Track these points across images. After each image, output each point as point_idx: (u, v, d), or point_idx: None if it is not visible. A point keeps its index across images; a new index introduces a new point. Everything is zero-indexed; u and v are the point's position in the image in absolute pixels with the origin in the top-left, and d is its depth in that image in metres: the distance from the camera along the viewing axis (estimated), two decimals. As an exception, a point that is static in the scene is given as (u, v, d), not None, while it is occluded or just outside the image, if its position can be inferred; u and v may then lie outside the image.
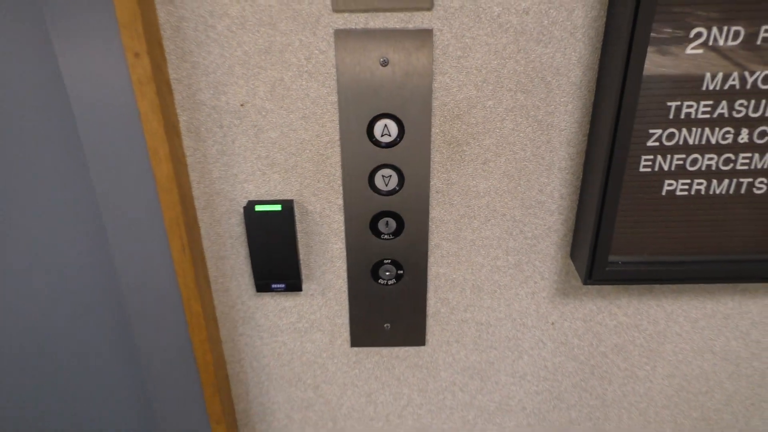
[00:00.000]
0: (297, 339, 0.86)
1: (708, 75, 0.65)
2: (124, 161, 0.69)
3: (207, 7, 0.65)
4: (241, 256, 0.80)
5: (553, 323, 0.85)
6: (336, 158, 0.74)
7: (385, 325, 0.85)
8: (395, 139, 0.72)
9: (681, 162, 0.69)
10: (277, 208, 0.75)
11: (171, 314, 0.79)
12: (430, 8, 0.65)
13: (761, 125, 0.67)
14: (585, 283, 0.74)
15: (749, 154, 0.69)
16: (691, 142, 0.68)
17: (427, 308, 0.84)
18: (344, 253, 0.80)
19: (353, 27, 0.66)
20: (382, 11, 0.66)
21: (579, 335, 0.86)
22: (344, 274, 0.81)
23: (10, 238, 0.80)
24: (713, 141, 0.68)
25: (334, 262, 0.81)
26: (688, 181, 0.70)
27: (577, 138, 0.72)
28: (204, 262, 0.80)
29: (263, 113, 0.71)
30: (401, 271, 0.80)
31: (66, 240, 0.81)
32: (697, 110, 0.67)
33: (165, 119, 0.67)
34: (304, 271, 0.81)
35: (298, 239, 0.79)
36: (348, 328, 0.86)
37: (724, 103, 0.66)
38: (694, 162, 0.69)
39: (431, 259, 0.80)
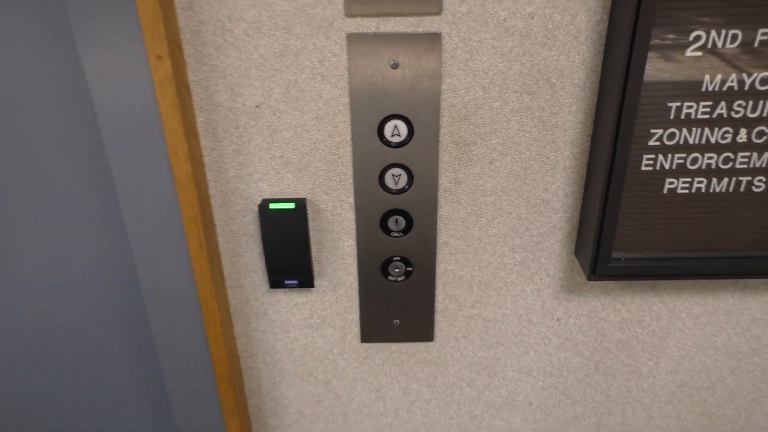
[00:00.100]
0: (309, 335, 0.89)
1: (707, 77, 0.67)
2: (145, 160, 0.71)
3: (225, 12, 0.68)
4: (254, 253, 0.83)
5: (558, 319, 0.87)
6: (347, 158, 0.76)
7: (395, 321, 0.87)
8: (405, 140, 0.74)
9: (682, 161, 0.71)
10: (291, 206, 0.77)
11: (187, 309, 0.81)
12: (438, 13, 0.68)
13: (759, 125, 0.69)
14: (589, 279, 0.76)
15: (748, 154, 0.71)
16: (691, 141, 0.70)
17: (436, 304, 0.87)
18: (355, 251, 0.82)
19: (365, 31, 0.69)
20: (393, 16, 0.68)
21: (584, 331, 0.88)
22: (355, 271, 0.84)
23: (32, 235, 0.83)
24: (713, 140, 0.70)
25: (345, 259, 0.83)
26: (689, 179, 0.73)
27: (581, 138, 0.75)
28: (219, 259, 0.82)
29: (278, 114, 0.74)
30: (410, 268, 0.83)
31: (86, 236, 0.83)
32: (696, 111, 0.69)
33: (184, 120, 0.70)
34: (315, 268, 0.84)
35: (311, 237, 0.81)
36: (358, 324, 0.88)
37: (723, 103, 0.68)
38: (695, 161, 0.72)
39: (439, 256, 0.83)
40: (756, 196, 0.73)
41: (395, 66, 0.71)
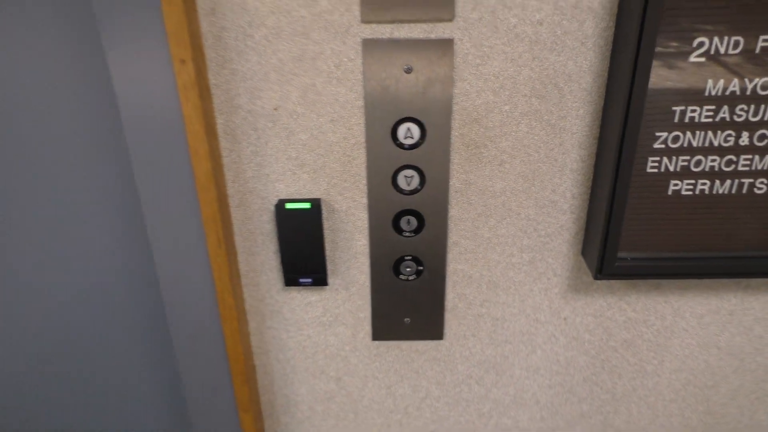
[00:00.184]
0: (321, 332, 0.91)
1: (710, 82, 0.69)
2: (167, 160, 0.74)
3: (246, 18, 0.71)
4: (270, 252, 0.85)
5: (565, 318, 0.89)
6: (361, 159, 0.79)
7: (405, 320, 0.89)
8: (417, 142, 0.77)
9: (686, 163, 0.74)
10: (307, 206, 0.80)
11: (205, 306, 0.83)
12: (451, 19, 0.71)
13: (761, 129, 0.72)
14: (596, 278, 0.78)
15: (750, 156, 0.73)
16: (695, 144, 0.73)
17: (445, 303, 0.89)
18: (368, 250, 0.85)
19: (380, 37, 0.72)
20: (407, 22, 0.71)
21: (590, 330, 0.90)
22: (367, 270, 0.86)
23: (51, 232, 0.86)
24: (716, 143, 0.73)
25: (358, 258, 0.85)
26: (693, 181, 0.75)
27: (588, 141, 0.77)
28: (236, 257, 0.85)
29: (295, 117, 0.76)
30: (421, 267, 0.85)
31: (107, 233, 0.86)
32: (700, 115, 0.71)
33: (205, 121, 0.72)
34: (329, 267, 0.86)
35: (325, 236, 0.84)
36: (370, 322, 0.90)
37: (725, 108, 0.71)
38: (698, 163, 0.74)
39: (450, 256, 0.85)
40: (758, 197, 0.76)
41: (409, 70, 0.73)
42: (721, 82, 0.69)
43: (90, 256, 0.88)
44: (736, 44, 0.68)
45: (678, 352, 0.92)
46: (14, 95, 0.78)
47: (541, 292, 0.88)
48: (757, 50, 0.68)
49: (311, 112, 0.76)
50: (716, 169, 0.74)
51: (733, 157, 0.73)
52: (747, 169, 0.74)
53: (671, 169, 0.74)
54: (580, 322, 0.90)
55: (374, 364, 0.94)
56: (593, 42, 0.72)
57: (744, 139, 0.72)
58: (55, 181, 0.83)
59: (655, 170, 0.74)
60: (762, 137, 0.72)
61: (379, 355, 0.93)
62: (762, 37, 0.67)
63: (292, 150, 0.78)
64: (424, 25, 0.71)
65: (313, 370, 0.94)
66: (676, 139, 0.72)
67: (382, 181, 0.79)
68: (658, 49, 0.67)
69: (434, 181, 0.79)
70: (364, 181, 0.80)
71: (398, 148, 0.78)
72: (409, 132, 0.77)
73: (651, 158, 0.74)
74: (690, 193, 0.75)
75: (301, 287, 0.88)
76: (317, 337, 0.92)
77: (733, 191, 0.75)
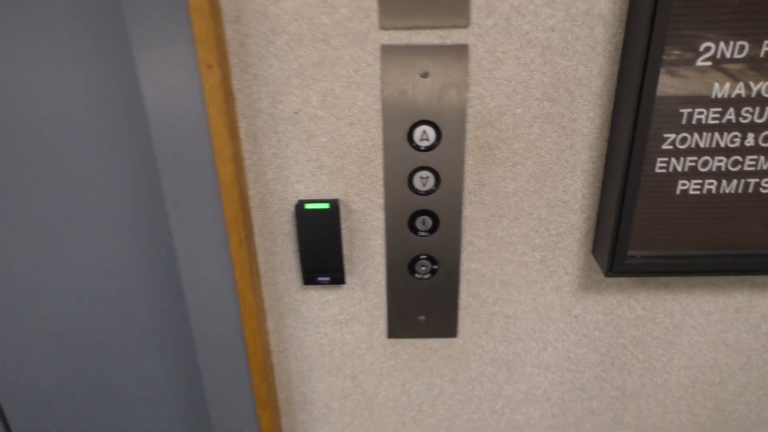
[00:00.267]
0: (338, 330, 0.94)
1: (716, 85, 0.72)
2: (192, 161, 0.77)
3: (269, 25, 0.74)
4: (289, 252, 0.88)
5: (576, 316, 0.92)
6: (378, 161, 0.81)
7: (420, 318, 0.92)
8: (433, 144, 0.80)
9: (693, 164, 0.76)
10: (326, 206, 0.82)
11: (226, 304, 0.86)
12: (466, 26, 0.74)
13: (766, 130, 0.74)
14: (606, 275, 0.81)
15: (755, 157, 0.76)
16: (702, 145, 0.75)
17: (459, 301, 0.91)
18: (384, 249, 0.87)
19: (397, 43, 0.75)
20: (424, 29, 0.74)
21: (600, 328, 0.93)
22: (383, 269, 0.89)
23: (80, 231, 0.89)
24: (722, 144, 0.75)
25: (374, 258, 0.88)
26: (700, 181, 0.77)
27: (598, 142, 0.80)
28: (255, 257, 0.87)
29: (315, 120, 0.79)
30: (436, 266, 0.87)
31: (131, 233, 0.89)
32: (707, 116, 0.74)
33: (229, 124, 0.75)
34: (346, 266, 0.89)
35: (342, 236, 0.86)
36: (385, 320, 0.93)
37: (731, 110, 0.73)
38: (705, 164, 0.76)
39: (463, 255, 0.88)
40: (763, 196, 0.78)
41: (425, 75, 0.76)
42: (727, 86, 0.72)
43: (114, 256, 0.91)
44: (741, 49, 0.70)
45: (686, 349, 0.94)
46: (44, 99, 0.81)
47: (553, 291, 0.90)
48: (762, 54, 0.70)
49: (330, 115, 0.79)
50: (723, 169, 0.77)
51: (739, 158, 0.76)
52: (753, 169, 0.76)
53: (679, 169, 0.77)
54: (590, 320, 0.92)
55: (389, 362, 0.96)
56: (603, 47, 0.74)
57: (750, 140, 0.75)
58: (81, 184, 0.86)
59: (664, 170, 0.77)
60: (767, 138, 0.75)
61: (394, 352, 0.95)
62: (766, 42, 0.70)
63: (311, 152, 0.81)
64: (440, 32, 0.74)
65: (329, 367, 0.97)
66: (683, 140, 0.75)
67: (398, 182, 0.82)
68: (665, 54, 0.70)
69: (449, 182, 0.82)
70: (381, 182, 0.83)
71: (414, 150, 0.80)
72: (424, 134, 0.79)
73: (659, 159, 0.76)
74: (697, 192, 0.78)
75: (318, 286, 0.90)
76: (334, 335, 0.94)
77: (740, 191, 0.78)
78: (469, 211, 0.85)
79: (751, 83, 0.72)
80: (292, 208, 0.85)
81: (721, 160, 0.76)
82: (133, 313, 0.96)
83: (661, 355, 0.95)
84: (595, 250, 0.85)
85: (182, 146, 0.76)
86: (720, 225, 0.80)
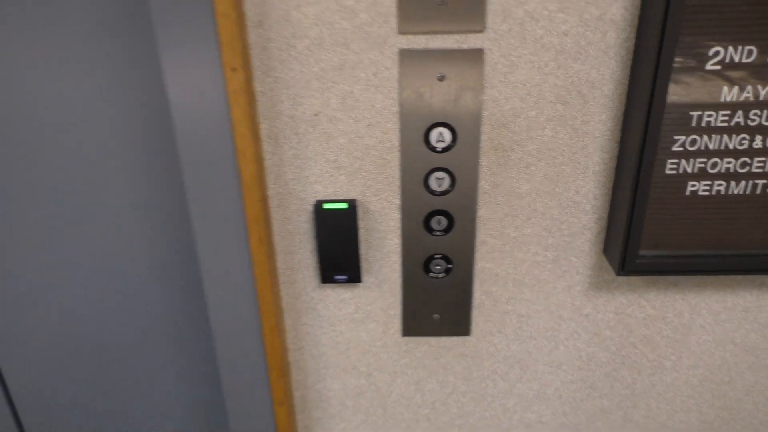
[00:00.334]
0: (353, 329, 0.95)
1: (725, 88, 0.74)
2: (216, 162, 0.79)
3: (290, 30, 0.76)
4: (306, 251, 0.90)
5: (587, 315, 0.94)
6: (396, 162, 0.84)
7: (434, 316, 0.93)
8: (449, 145, 0.82)
9: (702, 165, 0.78)
10: (344, 206, 0.85)
11: (246, 301, 0.88)
12: (482, 31, 0.76)
13: (773, 132, 0.77)
14: (618, 274, 0.83)
15: (763, 159, 0.78)
16: (711, 147, 0.77)
17: (473, 300, 0.93)
18: (400, 248, 0.89)
19: (415, 47, 0.77)
20: (441, 34, 0.76)
21: (611, 327, 0.94)
22: (399, 268, 0.91)
23: (104, 229, 0.91)
24: (731, 146, 0.77)
25: (390, 257, 0.90)
26: (709, 182, 0.79)
27: (610, 144, 0.82)
28: (274, 256, 0.90)
29: (334, 122, 0.81)
30: (450, 266, 0.89)
31: (154, 230, 0.91)
32: (716, 119, 0.76)
33: (251, 126, 0.77)
34: (363, 265, 0.91)
35: (359, 235, 0.88)
36: (400, 319, 0.95)
37: (740, 112, 0.75)
38: (714, 165, 0.78)
39: (477, 255, 0.90)
40: (771, 197, 0.80)
41: (442, 78, 0.78)
42: (736, 89, 0.74)
43: (135, 253, 0.93)
44: (750, 53, 0.72)
45: (695, 348, 0.96)
46: (71, 102, 0.83)
47: (564, 290, 0.92)
48: (769, 59, 0.73)
49: (349, 117, 0.81)
50: (732, 170, 0.79)
51: (748, 159, 0.78)
52: (761, 170, 0.78)
53: (689, 170, 0.79)
54: (601, 319, 0.94)
55: (403, 360, 0.98)
56: (615, 52, 0.76)
57: (758, 143, 0.77)
58: (103, 182, 0.88)
59: (674, 172, 0.79)
60: (775, 140, 0.77)
61: (408, 351, 0.97)
62: (774, 47, 0.72)
63: (330, 153, 0.83)
64: (456, 36, 0.76)
65: (345, 365, 0.99)
66: (693, 142, 0.77)
67: (414, 183, 0.84)
68: (676, 58, 0.72)
69: (464, 183, 0.84)
70: (398, 183, 0.85)
71: (430, 152, 0.82)
72: (441, 136, 0.81)
73: (670, 160, 0.78)
74: (707, 193, 0.80)
75: (334, 285, 0.92)
76: (349, 333, 0.96)
77: (748, 191, 0.80)
78: (483, 212, 0.87)
79: (759, 87, 0.74)
80: (310, 208, 0.87)
81: (729, 162, 0.78)
82: (150, 311, 0.98)
83: (671, 354, 0.96)
84: (607, 249, 0.87)
85: (206, 147, 0.78)
86: (729, 225, 0.82)
